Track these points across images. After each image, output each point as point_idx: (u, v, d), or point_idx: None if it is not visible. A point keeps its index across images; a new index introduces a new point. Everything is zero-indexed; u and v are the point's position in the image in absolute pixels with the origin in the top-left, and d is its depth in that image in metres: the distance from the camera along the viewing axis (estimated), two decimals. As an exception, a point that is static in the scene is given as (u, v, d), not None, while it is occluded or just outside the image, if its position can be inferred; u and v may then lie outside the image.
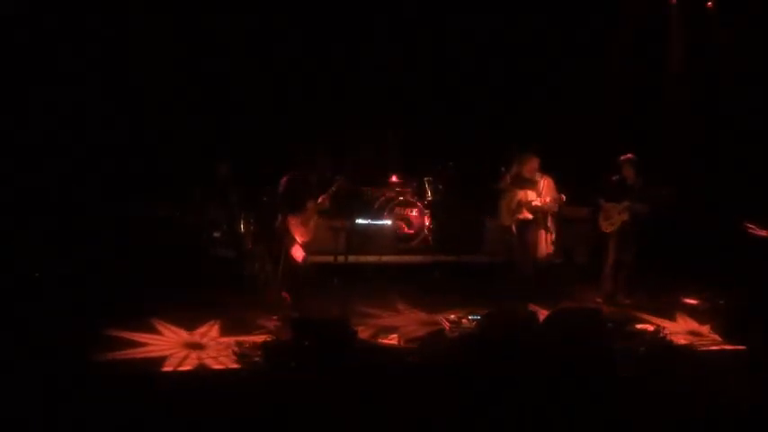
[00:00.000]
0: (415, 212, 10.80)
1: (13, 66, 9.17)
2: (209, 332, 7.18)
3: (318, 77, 10.98)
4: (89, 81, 9.64)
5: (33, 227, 8.64)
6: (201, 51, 10.41)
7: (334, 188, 7.82)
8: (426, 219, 10.82)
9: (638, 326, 7.62)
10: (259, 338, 6.77)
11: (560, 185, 8.64)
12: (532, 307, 8.01)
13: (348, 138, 10.78)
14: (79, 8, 9.54)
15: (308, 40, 10.92)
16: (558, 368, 6.05)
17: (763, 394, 6.01)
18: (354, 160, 10.59)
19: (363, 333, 7.07)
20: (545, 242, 8.59)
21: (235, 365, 6.29)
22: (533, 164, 8.60)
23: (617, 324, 7.40)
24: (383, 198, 10.72)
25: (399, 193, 10.86)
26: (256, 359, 6.31)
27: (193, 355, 6.51)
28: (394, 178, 11.07)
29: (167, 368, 6.16)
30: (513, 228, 8.71)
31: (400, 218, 10.69)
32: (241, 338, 6.80)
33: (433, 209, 10.93)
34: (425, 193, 11.12)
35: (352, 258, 9.29)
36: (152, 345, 6.74)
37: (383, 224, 10.50)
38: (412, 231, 10.76)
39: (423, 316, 8.07)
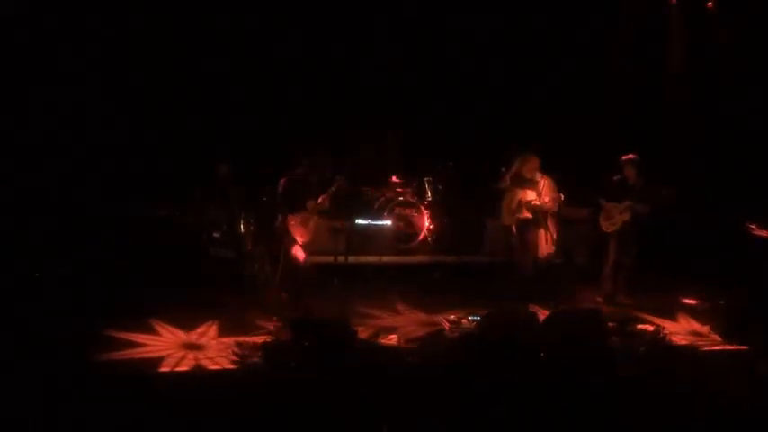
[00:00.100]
0: (414, 213, 10.79)
1: (13, 66, 9.17)
2: (208, 333, 7.18)
3: (318, 77, 10.97)
4: (89, 81, 9.63)
5: (33, 227, 8.64)
6: (201, 51, 10.40)
7: (333, 188, 7.81)
8: (426, 219, 10.81)
9: (639, 326, 7.62)
10: (259, 339, 6.78)
11: (560, 185, 8.64)
12: (532, 307, 8.01)
13: (348, 138, 10.77)
14: (79, 8, 9.53)
15: (308, 40, 10.92)
16: (558, 368, 6.06)
17: (763, 394, 6.02)
18: (354, 160, 10.58)
19: (363, 333, 7.07)
20: (545, 242, 8.59)
21: (231, 366, 6.29)
22: (533, 164, 8.60)
23: (617, 324, 7.41)
24: (383, 198, 10.71)
25: (399, 194, 10.85)
26: (256, 359, 6.32)
27: (190, 355, 6.51)
28: (394, 178, 11.06)
29: (164, 368, 6.17)
30: (514, 228, 8.72)
31: (400, 218, 10.69)
32: (241, 339, 6.80)
33: (433, 209, 10.92)
34: (425, 193, 11.11)
35: (352, 259, 9.30)
36: (150, 345, 6.75)
37: (383, 224, 10.49)
38: (412, 231, 10.76)
39: (422, 316, 8.07)
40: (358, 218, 10.28)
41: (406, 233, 10.71)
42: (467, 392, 5.60)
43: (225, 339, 6.95)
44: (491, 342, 6.36)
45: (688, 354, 7.12)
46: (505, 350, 6.22)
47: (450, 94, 11.53)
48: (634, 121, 11.62)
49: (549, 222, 8.59)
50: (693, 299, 8.73)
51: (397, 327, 7.60)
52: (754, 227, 7.95)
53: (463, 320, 7.31)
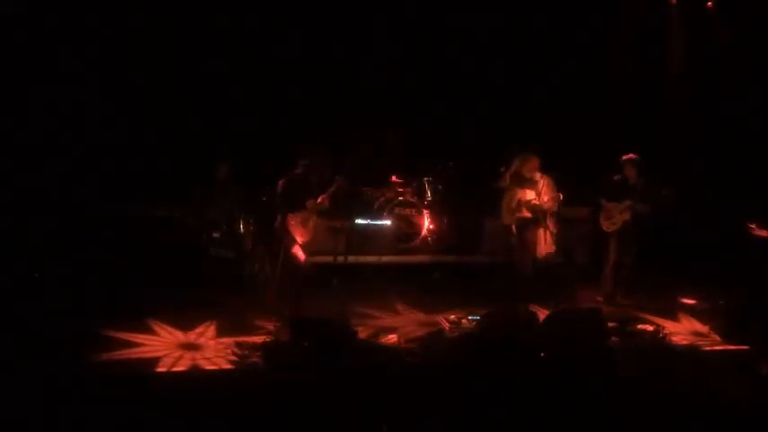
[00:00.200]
0: (414, 213, 10.78)
1: (13, 66, 9.17)
2: (206, 333, 7.19)
3: (318, 77, 10.97)
4: (89, 81, 9.63)
5: (33, 227, 8.64)
6: (201, 51, 10.39)
7: (333, 188, 7.81)
8: (426, 219, 10.81)
9: (639, 326, 7.63)
10: (258, 339, 6.77)
11: (560, 185, 8.63)
12: (532, 307, 8.00)
13: (348, 138, 10.76)
14: (79, 8, 9.53)
15: (308, 40, 10.91)
16: (558, 368, 6.06)
17: (763, 394, 6.02)
18: (354, 160, 10.57)
19: (362, 334, 7.07)
20: (544, 242, 8.59)
21: (228, 366, 6.30)
22: (533, 163, 8.60)
23: (617, 324, 7.41)
24: (383, 198, 10.70)
25: (399, 194, 10.84)
26: (256, 360, 6.32)
27: (188, 355, 6.52)
28: (394, 178, 11.06)
29: (161, 369, 6.17)
30: (513, 227, 8.72)
31: (400, 218, 10.68)
32: (240, 339, 6.80)
33: (433, 209, 10.92)
34: (425, 193, 11.10)
35: (351, 259, 9.29)
36: (147, 345, 6.76)
37: (383, 224, 10.48)
38: (411, 231, 10.75)
39: (421, 317, 8.07)
40: (358, 218, 10.27)
41: (405, 233, 10.70)
42: (467, 392, 5.60)
43: (223, 339, 6.95)
44: (491, 342, 6.36)
45: (688, 354, 7.12)
46: (505, 350, 6.23)
47: (450, 94, 11.52)
48: (634, 121, 11.61)
49: (549, 222, 8.59)
50: (692, 299, 8.73)
51: (396, 327, 7.60)
52: (754, 227, 7.94)
53: (463, 320, 7.31)
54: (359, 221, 10.28)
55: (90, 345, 6.48)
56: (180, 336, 7.05)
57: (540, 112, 11.30)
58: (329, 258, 9.21)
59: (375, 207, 10.59)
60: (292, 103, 10.79)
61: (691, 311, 8.49)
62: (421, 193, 11.08)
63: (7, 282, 7.82)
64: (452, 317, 7.47)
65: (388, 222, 10.51)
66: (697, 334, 7.83)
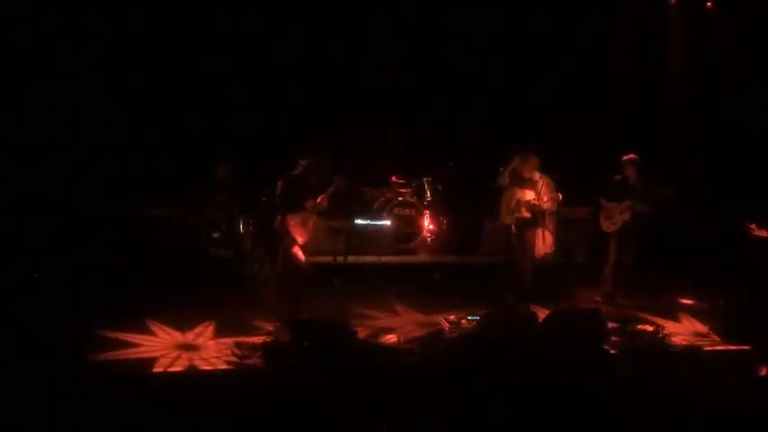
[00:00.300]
0: (414, 213, 10.78)
1: (13, 66, 9.17)
2: (204, 333, 7.18)
3: (318, 77, 10.97)
4: (89, 81, 9.63)
5: (33, 227, 8.64)
6: (201, 51, 10.40)
7: (332, 188, 7.81)
8: (426, 219, 10.81)
9: (639, 326, 7.63)
10: (258, 339, 6.77)
11: (560, 185, 8.63)
12: (532, 307, 8.00)
13: (348, 138, 10.76)
14: (79, 8, 9.53)
15: (308, 40, 10.91)
16: (558, 368, 6.05)
17: (763, 394, 6.02)
18: (354, 160, 10.57)
19: (362, 334, 7.07)
20: (542, 242, 8.59)
21: (225, 366, 6.30)
22: (532, 163, 8.60)
23: (617, 324, 7.41)
24: (383, 198, 10.70)
25: (399, 194, 10.84)
26: (256, 360, 6.32)
27: (185, 356, 6.51)
28: (394, 178, 11.06)
29: (158, 369, 6.16)
30: (513, 227, 8.72)
31: (400, 218, 10.68)
32: (240, 339, 6.80)
33: (433, 209, 10.92)
34: (425, 193, 11.10)
35: (351, 259, 9.28)
36: (144, 346, 6.76)
37: (382, 225, 10.48)
38: (411, 232, 10.75)
39: (420, 317, 8.07)
40: (357, 218, 10.27)
41: (405, 233, 10.70)
42: (467, 392, 5.59)
43: (221, 340, 6.95)
44: (491, 342, 6.36)
45: (688, 354, 7.12)
46: (505, 350, 6.22)
47: (450, 94, 11.52)
48: (634, 121, 11.61)
49: (548, 222, 8.60)
50: (691, 299, 8.73)
51: (395, 328, 7.60)
52: (754, 227, 7.95)
53: (462, 321, 7.31)
54: (358, 221, 10.28)
55: (87, 345, 6.47)
56: (178, 336, 7.05)
57: (540, 112, 11.30)
58: (329, 258, 9.21)
59: (375, 207, 10.59)
60: (292, 103, 10.79)
61: (690, 311, 8.49)
62: (421, 194, 11.08)
63: (7, 282, 7.82)
64: (452, 317, 7.46)
65: (387, 222, 10.51)
66: (697, 334, 7.82)
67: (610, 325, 7.18)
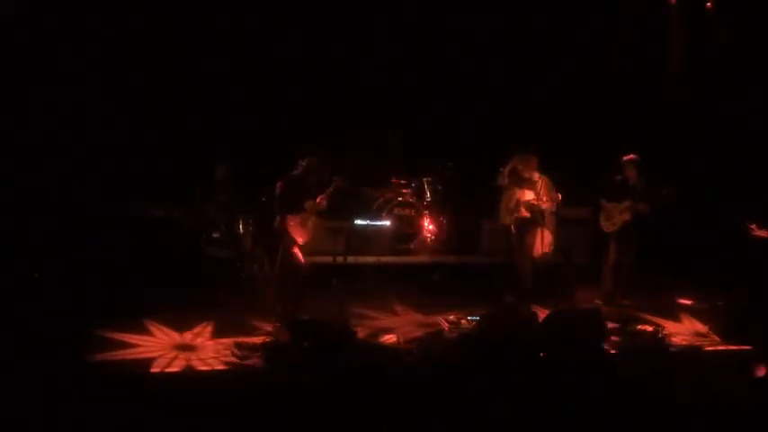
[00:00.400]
0: (414, 213, 10.77)
1: (13, 66, 9.17)
2: (202, 333, 7.18)
3: (318, 77, 10.96)
4: (89, 81, 9.63)
5: (33, 227, 8.64)
6: (201, 51, 10.39)
7: (331, 188, 7.82)
8: (426, 219, 10.80)
9: (639, 326, 7.63)
10: (258, 340, 6.77)
11: (560, 185, 8.64)
12: (532, 307, 8.00)
13: (348, 138, 10.76)
14: (79, 8, 9.53)
15: (308, 40, 10.91)
16: (558, 368, 6.06)
17: (763, 394, 6.02)
18: (354, 160, 10.56)
19: (361, 334, 7.07)
20: (541, 242, 8.60)
21: (222, 367, 6.29)
22: (532, 163, 8.61)
23: (617, 324, 7.41)
24: (382, 198, 10.69)
25: (399, 194, 10.84)
26: (256, 360, 6.32)
27: (182, 356, 6.51)
28: (394, 178, 11.05)
29: (155, 369, 6.16)
30: (512, 227, 8.72)
31: (399, 218, 10.67)
32: (240, 340, 6.80)
33: (433, 209, 10.91)
34: (425, 193, 11.09)
35: (350, 259, 9.28)
36: (142, 346, 6.76)
37: (382, 225, 10.47)
38: (411, 232, 10.74)
39: (420, 317, 8.07)
40: (357, 218, 10.26)
41: (405, 233, 10.69)
42: (467, 392, 5.59)
43: (220, 340, 6.95)
44: (491, 342, 6.36)
45: (688, 354, 7.12)
46: (505, 350, 6.22)
47: (450, 94, 11.51)
48: (634, 121, 11.61)
49: (547, 222, 8.60)
50: (690, 299, 8.73)
51: (394, 328, 7.60)
52: (754, 227, 7.95)
53: (462, 321, 7.31)
54: (358, 222, 10.28)
55: (86, 345, 6.48)
56: (176, 336, 7.06)
57: (540, 112, 11.30)
58: (328, 259, 9.21)
59: (374, 207, 10.58)
60: (292, 103, 10.79)
61: (689, 311, 8.49)
62: (420, 194, 11.07)
63: (7, 282, 7.81)
64: (452, 317, 7.47)
65: (387, 223, 10.50)
66: (697, 334, 7.83)
67: (610, 325, 7.19)
